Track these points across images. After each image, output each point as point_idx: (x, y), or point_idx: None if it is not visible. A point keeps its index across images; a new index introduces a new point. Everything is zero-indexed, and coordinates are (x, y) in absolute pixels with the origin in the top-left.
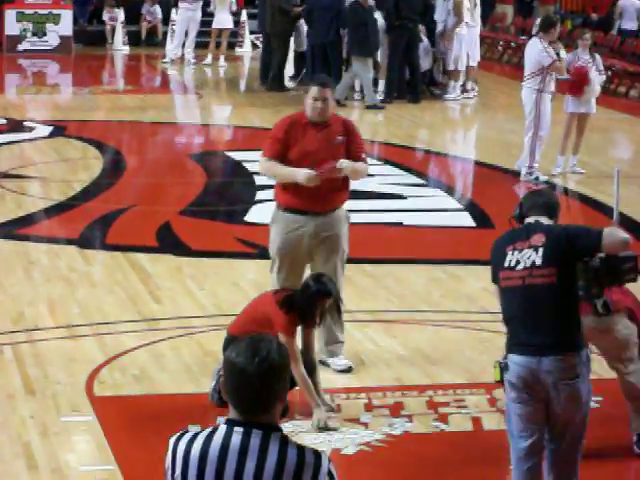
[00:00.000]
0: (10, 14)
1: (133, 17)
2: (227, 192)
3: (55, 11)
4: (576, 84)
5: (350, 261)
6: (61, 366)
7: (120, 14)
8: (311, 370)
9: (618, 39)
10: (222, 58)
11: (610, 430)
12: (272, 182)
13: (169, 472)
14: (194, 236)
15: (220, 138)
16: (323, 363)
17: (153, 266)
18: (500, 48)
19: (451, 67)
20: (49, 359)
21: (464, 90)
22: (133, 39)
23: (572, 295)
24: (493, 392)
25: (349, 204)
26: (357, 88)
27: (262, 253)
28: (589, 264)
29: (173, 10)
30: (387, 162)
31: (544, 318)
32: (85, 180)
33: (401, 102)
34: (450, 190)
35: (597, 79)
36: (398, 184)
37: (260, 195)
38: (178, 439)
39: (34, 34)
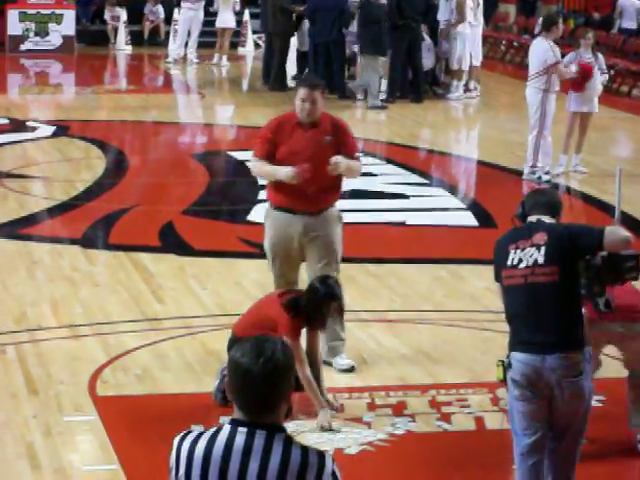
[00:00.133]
0: (13, 14)
1: (136, 17)
2: (230, 192)
3: (58, 11)
4: (578, 80)
5: (353, 260)
6: (64, 366)
7: (122, 14)
8: (315, 371)
9: (621, 38)
10: (224, 58)
11: (612, 429)
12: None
13: (173, 471)
14: (197, 236)
15: (223, 138)
16: (326, 363)
17: (156, 266)
18: (503, 47)
19: (454, 67)
20: (52, 359)
21: (467, 90)
22: (136, 39)
23: (574, 293)
24: (496, 391)
25: (352, 203)
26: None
27: (265, 253)
28: (591, 262)
29: (175, 10)
30: (390, 161)
31: (547, 316)
32: (88, 180)
33: (404, 102)
34: (453, 189)
35: (599, 78)
36: (401, 183)
37: (263, 195)
38: (182, 439)
39: (37, 34)
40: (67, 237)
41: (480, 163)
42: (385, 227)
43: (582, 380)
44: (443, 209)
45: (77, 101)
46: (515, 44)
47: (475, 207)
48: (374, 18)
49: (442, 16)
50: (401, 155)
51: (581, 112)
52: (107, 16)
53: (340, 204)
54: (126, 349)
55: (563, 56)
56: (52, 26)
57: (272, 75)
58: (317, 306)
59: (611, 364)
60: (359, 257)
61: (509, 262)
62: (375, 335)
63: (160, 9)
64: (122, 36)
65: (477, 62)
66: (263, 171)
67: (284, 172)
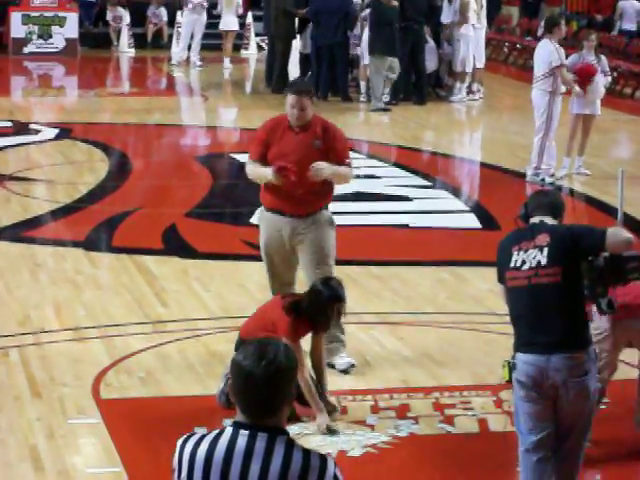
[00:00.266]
0: (16, 16)
1: (139, 20)
2: (233, 194)
3: (61, 14)
4: (580, 80)
5: (356, 263)
6: (67, 368)
7: (125, 15)
8: (319, 373)
9: (623, 40)
10: (227, 60)
11: (617, 431)
12: None
13: (175, 474)
14: (200, 238)
15: (226, 140)
16: (328, 365)
17: (159, 268)
18: (506, 50)
19: (457, 69)
20: (55, 361)
21: (470, 92)
22: (139, 42)
23: (578, 293)
24: (499, 394)
25: (355, 205)
26: (363, 90)
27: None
28: (593, 263)
29: (179, 12)
30: (393, 164)
31: (551, 317)
32: (91, 182)
33: (407, 104)
34: (456, 192)
35: (602, 81)
36: (404, 186)
37: None
38: (185, 441)
39: (40, 36)
40: (70, 240)
41: (483, 165)
42: (388, 229)
43: (587, 380)
44: (446, 211)
45: (80, 104)
46: (518, 46)
47: (478, 209)
48: (386, 19)
49: (445, 18)
50: (404, 157)
51: (583, 114)
52: (109, 17)
53: (343, 206)
54: (130, 352)
55: (567, 58)
56: (55, 29)
57: (274, 77)
58: (321, 308)
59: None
60: (362, 259)
61: (512, 264)
62: (378, 337)
63: (163, 12)
64: (125, 39)
65: (480, 64)
66: (256, 173)
67: (270, 173)
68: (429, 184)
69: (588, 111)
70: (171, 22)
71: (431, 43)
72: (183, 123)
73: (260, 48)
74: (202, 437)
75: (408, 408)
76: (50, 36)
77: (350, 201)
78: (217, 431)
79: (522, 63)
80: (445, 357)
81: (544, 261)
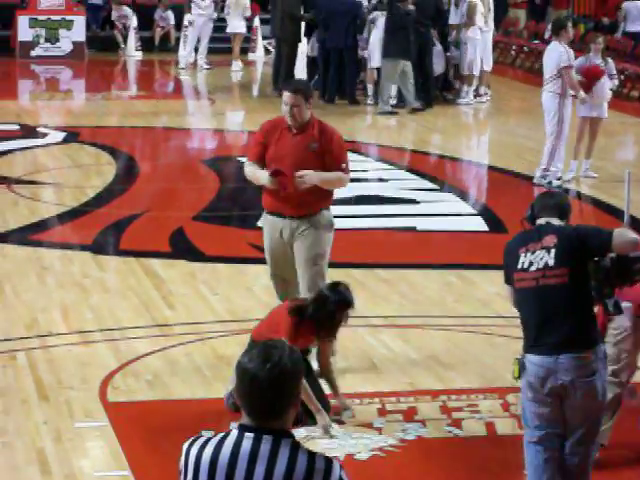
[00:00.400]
0: (23, 20)
1: (146, 23)
2: (240, 197)
3: (68, 17)
4: (585, 82)
5: (363, 266)
6: (74, 372)
7: (133, 19)
8: (328, 376)
9: (630, 43)
10: (234, 63)
11: (627, 435)
12: None
13: (181, 477)
14: (207, 241)
15: (233, 143)
16: None
17: (166, 272)
18: (513, 52)
19: (465, 72)
20: (62, 365)
21: (477, 95)
22: (146, 45)
23: (585, 293)
24: (506, 397)
25: (362, 209)
26: (370, 93)
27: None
28: (600, 264)
29: (186, 16)
30: (400, 167)
31: (559, 317)
32: (98, 186)
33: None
34: (463, 195)
35: (608, 83)
36: (411, 189)
37: None
38: (191, 444)
39: (47, 40)
40: (77, 243)
41: (490, 168)
42: (395, 232)
43: (596, 380)
44: (453, 214)
45: (87, 107)
46: (525, 49)
47: (486, 212)
48: (401, 23)
49: (452, 22)
50: (411, 160)
51: (591, 117)
52: (114, 16)
53: (350, 209)
54: (137, 355)
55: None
56: (62, 32)
57: (281, 81)
58: (328, 314)
59: None
60: (369, 262)
61: (520, 265)
62: (385, 341)
63: (170, 15)
64: (132, 42)
65: (487, 67)
66: (254, 176)
67: (265, 178)
68: (436, 187)
69: (595, 114)
70: (178, 25)
71: (438, 46)
72: (190, 126)
73: (267, 51)
74: (207, 440)
75: (415, 411)
76: (57, 39)
77: (357, 204)
78: (222, 434)
79: (529, 66)
80: (452, 360)
81: (551, 262)
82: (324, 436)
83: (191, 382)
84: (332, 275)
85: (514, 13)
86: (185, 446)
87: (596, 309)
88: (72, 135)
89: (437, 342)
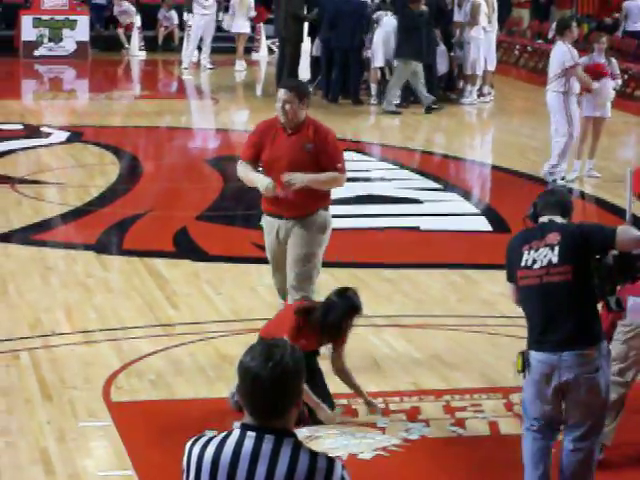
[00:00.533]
0: (27, 20)
1: (150, 23)
2: (244, 197)
3: (71, 17)
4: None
5: (366, 265)
6: (78, 371)
7: (137, 19)
8: (349, 383)
9: (635, 42)
10: (238, 63)
11: (632, 435)
12: None
13: (184, 476)
14: (211, 241)
15: (236, 143)
16: None
17: (170, 271)
18: (516, 52)
19: (468, 71)
20: (66, 365)
21: (480, 94)
22: (149, 44)
23: (589, 291)
24: (510, 396)
25: (365, 208)
26: (373, 92)
27: None
28: (602, 262)
29: (185, 14)
30: (403, 166)
31: (563, 315)
32: (102, 185)
33: (417, 106)
34: (467, 194)
35: (611, 83)
36: (414, 188)
37: None
38: (193, 443)
39: (51, 40)
40: (81, 243)
41: (494, 168)
42: (399, 232)
43: (598, 376)
44: (457, 214)
45: (91, 107)
46: (529, 49)
47: (489, 212)
48: (414, 24)
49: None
50: (415, 160)
51: (594, 117)
52: (116, 11)
53: (353, 209)
54: (140, 355)
55: None
56: (66, 32)
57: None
58: (337, 320)
59: None
60: (372, 262)
61: (523, 263)
62: (389, 340)
63: (174, 15)
64: (136, 42)
65: (491, 67)
66: (247, 178)
67: (262, 183)
68: (440, 187)
69: (598, 114)
70: (182, 25)
71: (442, 46)
72: (194, 126)
73: (271, 51)
74: (210, 439)
75: (419, 411)
76: (61, 39)
77: (360, 204)
78: (225, 433)
79: (533, 66)
80: (456, 360)
81: (555, 260)
82: (330, 427)
83: (194, 382)
84: (336, 274)
85: (517, 13)
86: (187, 445)
87: (600, 307)
88: (76, 135)
89: (440, 342)
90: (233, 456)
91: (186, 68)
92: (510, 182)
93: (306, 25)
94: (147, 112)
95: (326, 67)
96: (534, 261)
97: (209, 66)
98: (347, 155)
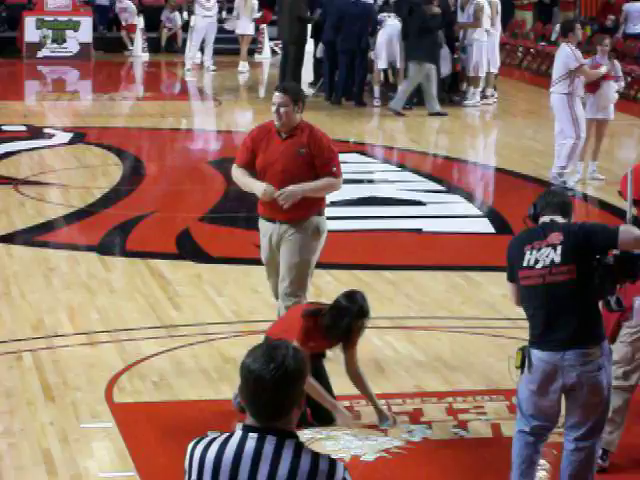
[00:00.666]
0: (30, 21)
1: (153, 24)
2: (246, 199)
3: (75, 18)
4: (592, 82)
5: (369, 267)
6: (81, 373)
7: (140, 20)
8: (362, 388)
9: (638, 45)
10: (241, 64)
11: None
12: None
13: (186, 477)
14: (213, 243)
15: (239, 145)
16: None
17: (173, 273)
18: (519, 54)
19: (471, 73)
20: (69, 366)
21: (483, 96)
22: (153, 46)
23: (591, 290)
24: (512, 398)
25: (369, 210)
26: (376, 94)
27: None
28: (603, 261)
29: (192, 17)
30: (406, 168)
31: (565, 314)
32: (105, 187)
33: (421, 108)
34: (470, 196)
35: (614, 85)
36: (417, 190)
37: None
38: (195, 445)
39: (54, 41)
40: (84, 244)
41: (497, 170)
42: (402, 234)
43: (600, 375)
44: (460, 216)
45: (94, 108)
46: (532, 51)
47: (492, 214)
48: (427, 26)
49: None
50: (418, 162)
51: (597, 119)
52: (117, 9)
53: (356, 211)
54: (143, 356)
55: None
56: (69, 33)
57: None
58: (345, 323)
59: None
60: (375, 264)
61: (525, 263)
62: (391, 342)
63: (177, 16)
64: (139, 43)
65: (494, 69)
66: (242, 182)
67: (259, 189)
68: (443, 189)
69: (601, 116)
70: (185, 27)
71: (445, 48)
72: (197, 127)
73: (274, 52)
74: (212, 440)
75: (421, 413)
76: (64, 40)
77: (363, 205)
78: (227, 434)
79: (536, 68)
80: (458, 362)
81: (558, 259)
82: (347, 430)
83: (197, 383)
84: (338, 276)
85: (521, 15)
86: (190, 446)
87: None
88: (79, 136)
89: (443, 344)
90: (235, 457)
91: (189, 70)
92: (513, 184)
93: (309, 27)
94: (150, 113)
95: (329, 69)
96: (536, 261)
97: (212, 68)
98: (350, 157)
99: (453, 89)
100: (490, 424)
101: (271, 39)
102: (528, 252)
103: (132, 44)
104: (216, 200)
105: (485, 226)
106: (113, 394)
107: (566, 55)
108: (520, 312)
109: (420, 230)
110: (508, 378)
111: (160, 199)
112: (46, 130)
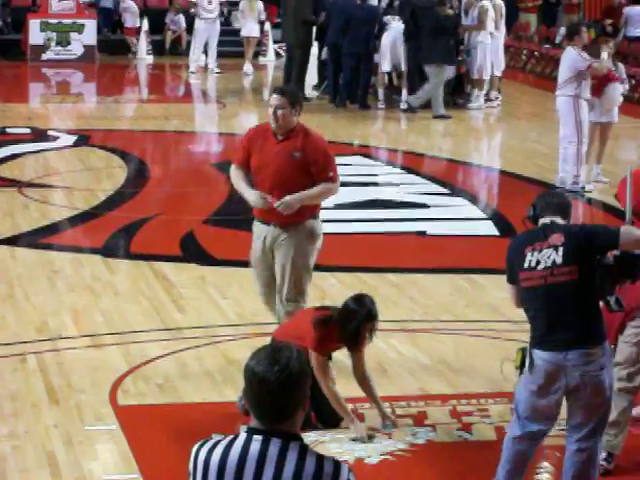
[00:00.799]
0: (34, 23)
1: (157, 27)
2: None
3: (79, 20)
4: (595, 84)
5: (373, 270)
6: (85, 375)
7: (144, 22)
8: (368, 392)
9: None
10: (246, 67)
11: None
12: None
13: (190, 479)
14: (218, 245)
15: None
16: None
17: (177, 275)
18: (524, 57)
19: (475, 76)
20: (73, 368)
21: (488, 99)
22: (157, 49)
23: (593, 291)
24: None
25: (372, 213)
26: (380, 97)
27: None
28: (602, 262)
29: (196, 20)
30: (410, 171)
31: (568, 314)
32: (109, 189)
33: (424, 111)
34: (474, 199)
35: (619, 88)
36: (421, 193)
37: None
38: (200, 447)
39: (58, 43)
40: (88, 246)
41: (501, 173)
42: (405, 237)
43: (602, 375)
44: (464, 219)
45: (98, 110)
46: (536, 54)
47: (496, 217)
48: (442, 28)
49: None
50: (422, 164)
51: (600, 122)
52: (121, 8)
53: (360, 213)
54: (147, 358)
55: None
56: (74, 35)
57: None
58: (354, 327)
59: None
60: (379, 266)
61: (526, 264)
62: (395, 345)
63: (182, 19)
64: (143, 46)
65: (498, 72)
66: (237, 186)
67: (253, 198)
68: (447, 191)
69: (605, 119)
70: (190, 29)
71: None
72: (201, 130)
73: (278, 55)
74: (216, 443)
75: (425, 415)
76: (68, 43)
77: (367, 208)
78: (231, 437)
79: (540, 70)
80: (462, 365)
81: (559, 260)
82: (337, 431)
83: (201, 386)
84: (342, 279)
85: (525, 18)
86: (194, 449)
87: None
88: (83, 138)
89: (447, 346)
90: (240, 460)
91: (193, 72)
92: (517, 187)
93: (314, 30)
94: (154, 116)
95: (333, 71)
96: (538, 262)
97: (216, 70)
98: (354, 159)
99: (457, 92)
100: (494, 427)
101: (275, 42)
102: (529, 254)
103: (136, 46)
104: (220, 202)
105: (489, 229)
106: (117, 396)
107: (572, 58)
108: (524, 315)
109: (424, 233)
110: (509, 380)
111: (164, 201)
112: (50, 132)
